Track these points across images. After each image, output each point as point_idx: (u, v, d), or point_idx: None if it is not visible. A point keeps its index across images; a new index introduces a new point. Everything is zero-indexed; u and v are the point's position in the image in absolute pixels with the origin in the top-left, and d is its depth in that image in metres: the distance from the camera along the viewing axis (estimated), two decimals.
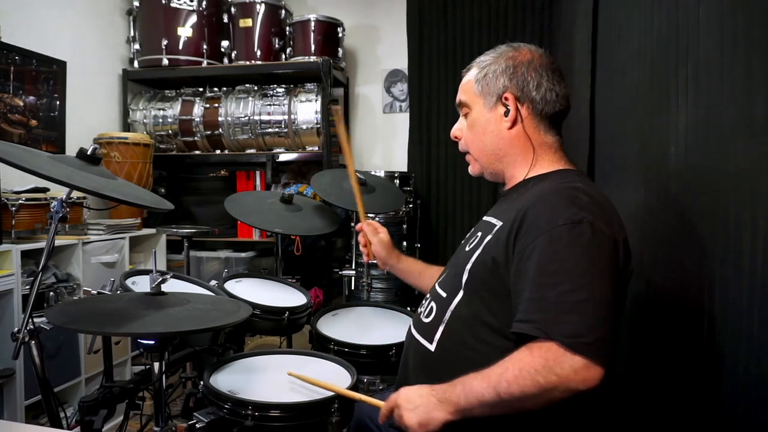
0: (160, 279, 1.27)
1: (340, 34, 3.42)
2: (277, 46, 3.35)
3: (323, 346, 1.63)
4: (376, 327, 1.81)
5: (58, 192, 2.34)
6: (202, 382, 1.32)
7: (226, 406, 1.23)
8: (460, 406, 0.98)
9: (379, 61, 3.76)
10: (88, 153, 1.32)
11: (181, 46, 3.30)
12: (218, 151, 3.42)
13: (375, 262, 1.61)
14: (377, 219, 2.90)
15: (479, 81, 1.18)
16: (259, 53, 3.29)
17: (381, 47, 3.75)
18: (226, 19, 3.38)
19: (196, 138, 3.39)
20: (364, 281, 2.38)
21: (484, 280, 1.06)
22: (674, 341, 1.23)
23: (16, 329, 1.25)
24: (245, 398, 1.23)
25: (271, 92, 3.33)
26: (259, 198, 2.25)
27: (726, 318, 0.99)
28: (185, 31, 3.29)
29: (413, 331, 1.22)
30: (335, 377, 1.40)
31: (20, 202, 2.24)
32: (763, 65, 0.87)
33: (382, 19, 3.72)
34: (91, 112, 3.19)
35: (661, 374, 1.30)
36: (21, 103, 2.67)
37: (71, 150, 2.89)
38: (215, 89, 3.46)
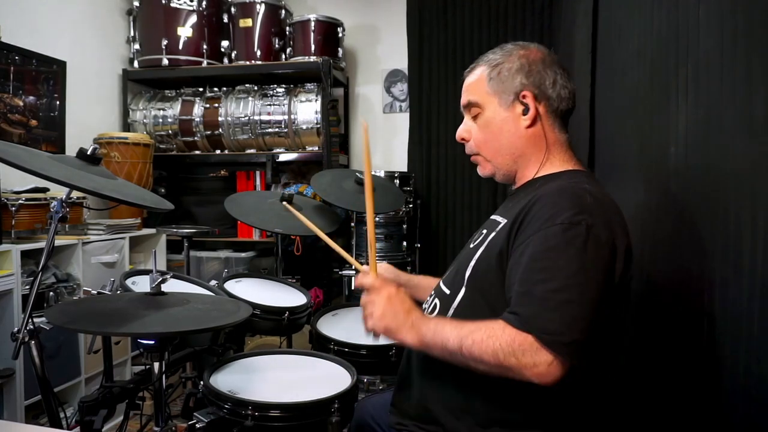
0: (160, 279, 1.27)
1: (340, 34, 3.42)
2: (277, 46, 3.35)
3: (323, 346, 1.64)
4: None
5: (58, 192, 2.34)
6: (202, 382, 1.32)
7: (226, 406, 1.23)
8: (426, 340, 1.02)
9: (379, 61, 3.75)
10: (88, 153, 1.32)
11: (181, 46, 3.30)
12: (218, 151, 3.42)
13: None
14: (377, 219, 2.90)
15: (493, 79, 1.14)
16: (259, 53, 3.29)
17: (381, 47, 3.75)
18: (226, 19, 3.38)
19: (196, 138, 3.39)
20: None
21: (487, 277, 1.06)
22: (674, 341, 1.23)
23: (16, 329, 1.25)
24: (245, 398, 1.24)
25: (271, 92, 3.33)
26: (259, 198, 2.25)
27: (726, 318, 0.99)
28: (185, 31, 3.29)
29: None
30: (335, 377, 1.40)
31: (20, 202, 2.23)
32: (763, 65, 0.87)
33: (382, 19, 3.72)
34: (91, 112, 3.19)
35: (662, 374, 1.30)
36: (21, 103, 2.67)
37: (71, 150, 2.89)
38: (215, 89, 3.46)
